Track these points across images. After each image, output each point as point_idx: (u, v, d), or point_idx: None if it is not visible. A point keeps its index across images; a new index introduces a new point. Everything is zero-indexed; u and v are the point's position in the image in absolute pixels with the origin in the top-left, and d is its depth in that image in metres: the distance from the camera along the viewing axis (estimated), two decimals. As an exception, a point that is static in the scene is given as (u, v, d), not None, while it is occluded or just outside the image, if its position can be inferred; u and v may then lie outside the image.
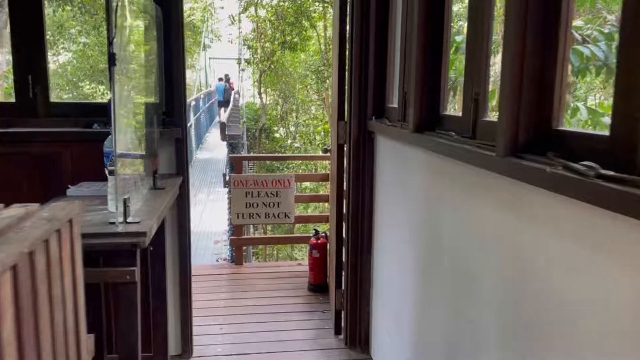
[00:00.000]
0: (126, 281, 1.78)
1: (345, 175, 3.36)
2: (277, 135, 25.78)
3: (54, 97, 4.21)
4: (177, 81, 2.85)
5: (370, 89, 2.90)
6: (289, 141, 22.01)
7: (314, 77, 20.95)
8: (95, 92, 16.40)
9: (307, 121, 23.14)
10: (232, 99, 25.07)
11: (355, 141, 3.05)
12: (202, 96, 16.79)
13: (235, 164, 4.81)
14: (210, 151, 14.24)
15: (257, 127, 21.97)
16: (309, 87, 21.72)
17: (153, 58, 2.66)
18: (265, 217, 4.62)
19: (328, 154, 4.17)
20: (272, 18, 20.12)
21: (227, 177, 4.68)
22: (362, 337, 3.17)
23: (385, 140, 2.77)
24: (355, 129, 3.04)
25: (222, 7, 25.07)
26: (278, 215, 4.62)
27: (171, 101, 2.86)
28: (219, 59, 44.27)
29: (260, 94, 20.69)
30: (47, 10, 13.71)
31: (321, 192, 8.65)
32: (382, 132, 2.76)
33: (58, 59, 16.34)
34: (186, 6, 18.87)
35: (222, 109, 23.61)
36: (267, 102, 26.84)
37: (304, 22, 19.81)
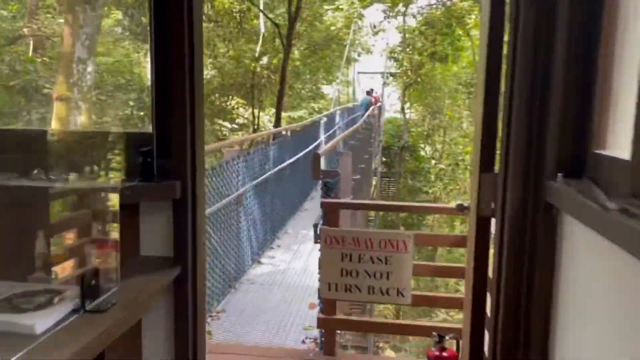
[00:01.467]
0: None
1: (492, 268, 1.82)
2: (421, 153, 24.03)
3: None
4: (178, 98, 1.59)
5: (554, 121, 1.36)
6: (433, 162, 20.18)
7: (465, 90, 18.88)
8: None
9: (455, 139, 21.07)
10: (366, 115, 23.71)
11: (514, 216, 1.52)
12: (338, 111, 15.85)
13: (328, 213, 3.48)
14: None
15: (399, 144, 20.55)
16: (460, 102, 19.67)
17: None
18: (369, 293, 3.20)
19: (465, 212, 2.60)
20: (422, 27, 18.61)
21: (318, 230, 3.36)
22: None
23: (590, 232, 1.16)
24: (516, 192, 1.52)
25: (363, 16, 23.98)
26: (387, 292, 3.18)
27: (168, 132, 1.61)
28: (367, 73, 43.99)
29: (403, 109, 19.24)
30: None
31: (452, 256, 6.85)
32: (583, 214, 1.19)
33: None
34: (327, 15, 18.25)
35: None
36: (412, 118, 25.26)
37: (457, 31, 17.97)
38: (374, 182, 14.12)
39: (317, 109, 19.36)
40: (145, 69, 13.65)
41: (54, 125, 5.57)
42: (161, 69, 1.59)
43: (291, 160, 7.83)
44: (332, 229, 3.46)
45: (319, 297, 3.58)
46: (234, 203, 5.14)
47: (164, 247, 1.64)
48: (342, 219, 3.82)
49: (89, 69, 5.49)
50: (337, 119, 15.67)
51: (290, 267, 5.93)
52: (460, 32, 18.18)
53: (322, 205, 3.70)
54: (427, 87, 20.80)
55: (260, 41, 12.83)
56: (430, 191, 20.81)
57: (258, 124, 14.10)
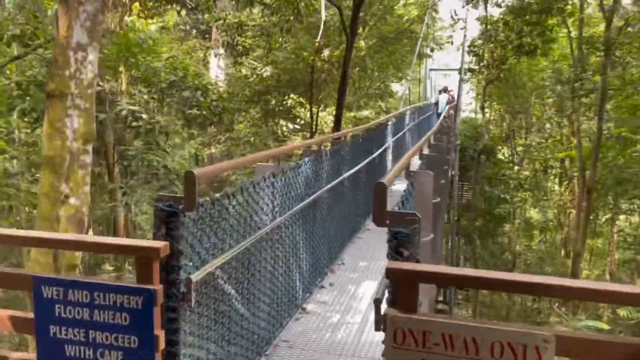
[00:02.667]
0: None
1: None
2: (500, 156, 21.71)
3: None
4: None
5: None
6: (516, 168, 17.89)
7: (558, 88, 16.46)
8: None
9: (542, 143, 18.69)
10: (442, 117, 21.44)
11: None
12: (408, 111, 14.13)
13: (400, 286, 1.98)
14: None
15: (476, 146, 18.47)
16: (551, 100, 17.24)
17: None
18: None
19: None
20: (506, 17, 16.44)
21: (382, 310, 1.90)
22: None
23: None
24: None
25: (438, 8, 21.92)
26: None
27: None
28: (440, 70, 41.48)
29: (483, 108, 17.13)
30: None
31: None
32: None
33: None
34: (399, 5, 16.49)
35: None
36: (490, 118, 22.94)
37: (548, 20, 15.64)
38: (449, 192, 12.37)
39: (384, 109, 17.72)
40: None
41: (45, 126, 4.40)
42: None
43: (349, 173, 6.31)
44: (406, 317, 1.97)
45: None
46: (267, 239, 3.71)
47: None
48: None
49: (91, 57, 4.28)
50: (407, 119, 13.96)
51: (346, 321, 4.46)
52: (553, 22, 15.85)
53: (389, 273, 2.19)
54: (511, 83, 18.52)
55: (321, 30, 11.30)
56: (510, 199, 18.58)
57: (317, 125, 12.67)
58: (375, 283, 5.33)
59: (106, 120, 13.32)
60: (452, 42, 26.83)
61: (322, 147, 5.26)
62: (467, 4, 18.53)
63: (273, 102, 13.11)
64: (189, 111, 13.43)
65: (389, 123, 10.21)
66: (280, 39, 11.73)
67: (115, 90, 13.75)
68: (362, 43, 14.23)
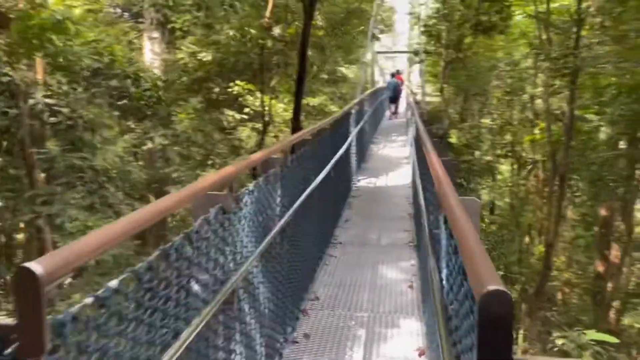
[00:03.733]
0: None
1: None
2: (455, 141, 20.94)
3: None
4: None
5: None
6: (477, 153, 17.09)
7: (515, 68, 15.72)
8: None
9: (502, 126, 17.99)
10: (402, 95, 20.67)
11: None
12: (367, 98, 12.91)
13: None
14: (377, 173, 10.24)
15: (436, 132, 17.52)
16: (510, 81, 16.47)
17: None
18: None
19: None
20: (463, -7, 15.45)
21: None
22: None
23: None
24: None
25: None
26: None
27: None
28: (386, 53, 40.50)
29: (442, 91, 16.15)
30: None
31: None
32: None
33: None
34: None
35: (393, 105, 20.05)
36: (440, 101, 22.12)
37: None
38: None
39: (338, 95, 16.43)
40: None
41: None
42: None
43: (319, 180, 4.97)
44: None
45: None
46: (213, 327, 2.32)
47: None
48: None
49: None
50: (366, 106, 12.75)
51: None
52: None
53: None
54: (468, 65, 17.63)
55: (271, 3, 9.59)
56: (473, 188, 17.83)
57: (270, 114, 11.04)
58: (363, 326, 4.06)
59: (21, 116, 11.36)
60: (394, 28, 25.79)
61: (282, 158, 3.86)
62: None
63: (217, 89, 11.39)
64: (119, 102, 11.62)
65: (352, 111, 8.95)
66: (223, 14, 9.99)
67: (28, 80, 11.76)
68: (319, 21, 12.64)
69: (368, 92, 15.11)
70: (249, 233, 2.80)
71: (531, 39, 15.43)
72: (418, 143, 5.26)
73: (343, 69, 23.14)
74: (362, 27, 19.19)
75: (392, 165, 10.73)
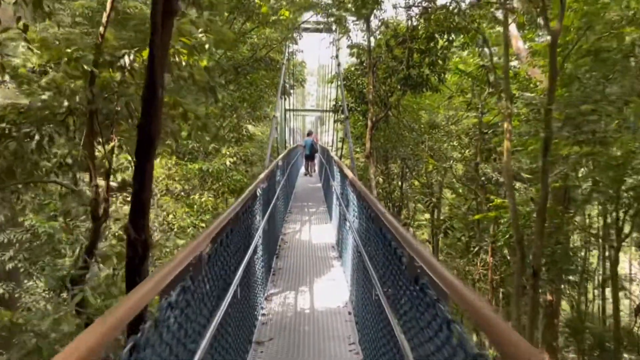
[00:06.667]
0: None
1: None
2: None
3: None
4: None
5: None
6: (411, 229, 14.26)
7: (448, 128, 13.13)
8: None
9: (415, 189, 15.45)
10: (318, 154, 19.47)
11: None
12: (279, 162, 9.66)
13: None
14: (295, 284, 6.66)
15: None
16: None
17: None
18: None
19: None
20: (391, 42, 13.00)
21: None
22: None
23: None
24: None
25: (298, 37, 18.54)
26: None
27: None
28: (298, 111, 38.10)
29: (369, 157, 13.24)
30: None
31: None
32: None
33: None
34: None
35: (309, 162, 19.77)
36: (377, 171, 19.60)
37: (441, 43, 12.55)
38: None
39: (241, 157, 13.09)
40: None
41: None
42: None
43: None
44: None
45: None
46: None
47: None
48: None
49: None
50: (278, 175, 9.44)
51: None
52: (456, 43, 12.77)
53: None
54: (393, 124, 15.13)
55: (108, 12, 5.36)
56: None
57: (107, 205, 5.90)
58: None
59: None
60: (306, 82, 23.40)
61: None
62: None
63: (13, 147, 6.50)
64: None
65: (258, 193, 5.55)
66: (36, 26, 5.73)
67: None
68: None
69: (282, 154, 11.85)
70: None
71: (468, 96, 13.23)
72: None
73: (250, 127, 19.98)
74: (269, 81, 16.28)
75: (317, 266, 7.31)
